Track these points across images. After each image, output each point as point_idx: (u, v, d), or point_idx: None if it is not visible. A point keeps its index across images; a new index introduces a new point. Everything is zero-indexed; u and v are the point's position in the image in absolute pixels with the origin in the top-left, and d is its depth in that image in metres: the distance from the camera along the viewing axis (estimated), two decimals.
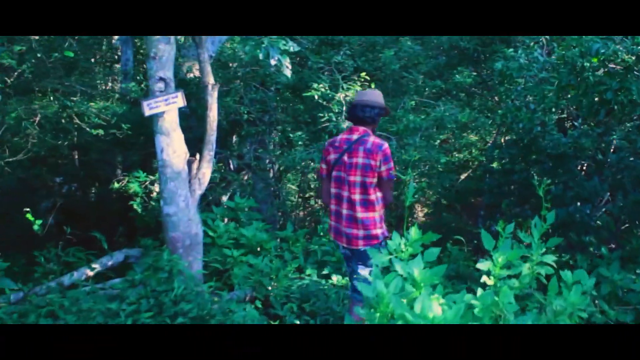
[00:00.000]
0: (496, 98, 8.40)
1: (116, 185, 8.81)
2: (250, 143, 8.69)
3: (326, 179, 4.54)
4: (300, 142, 7.72)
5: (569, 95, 5.37)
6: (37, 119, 8.04)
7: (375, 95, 4.51)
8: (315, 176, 9.93)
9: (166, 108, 5.15)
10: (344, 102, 7.06)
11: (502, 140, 8.54)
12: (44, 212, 9.51)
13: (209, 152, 5.83)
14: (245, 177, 8.90)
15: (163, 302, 4.89)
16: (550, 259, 3.18)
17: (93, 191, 10.90)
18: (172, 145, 5.26)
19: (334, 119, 7.03)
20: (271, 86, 8.26)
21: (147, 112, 5.13)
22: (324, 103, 7.13)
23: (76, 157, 10.39)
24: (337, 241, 4.54)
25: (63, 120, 7.71)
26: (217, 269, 6.01)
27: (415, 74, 7.60)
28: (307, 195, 11.16)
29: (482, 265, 3.00)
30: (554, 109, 6.25)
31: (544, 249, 3.16)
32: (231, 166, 8.86)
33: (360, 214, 4.30)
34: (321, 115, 7.07)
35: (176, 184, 5.34)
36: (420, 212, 13.00)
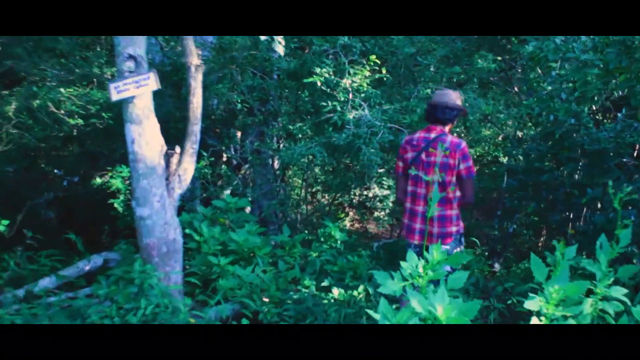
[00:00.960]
0: (516, 88, 7.53)
1: (98, 180, 8.06)
2: (249, 135, 7.89)
3: (402, 177, 4.66)
4: (300, 135, 6.89)
5: (617, 81, 4.50)
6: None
7: (455, 97, 4.54)
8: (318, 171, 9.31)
9: (137, 92, 4.34)
10: (350, 89, 6.23)
11: (520, 135, 7.67)
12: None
13: (192, 145, 5.04)
14: (245, 173, 8.10)
15: (129, 322, 4.15)
16: (620, 292, 2.39)
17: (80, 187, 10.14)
18: (145, 136, 4.46)
19: (339, 108, 6.21)
20: (271, 72, 7.45)
21: (115, 97, 4.33)
22: (328, 90, 6.31)
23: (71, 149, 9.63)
24: (408, 239, 4.59)
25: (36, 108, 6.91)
26: (203, 279, 5.23)
27: (430, 59, 6.72)
28: (314, 190, 10.38)
29: (532, 304, 2.20)
30: (596, 98, 5.41)
31: (611, 279, 2.38)
32: (232, 161, 8.09)
33: (437, 211, 4.37)
34: (324, 104, 6.24)
35: (150, 181, 4.54)
36: None
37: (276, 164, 8.16)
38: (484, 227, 8.77)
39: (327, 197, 10.51)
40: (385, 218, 10.07)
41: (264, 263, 5.55)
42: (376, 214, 10.29)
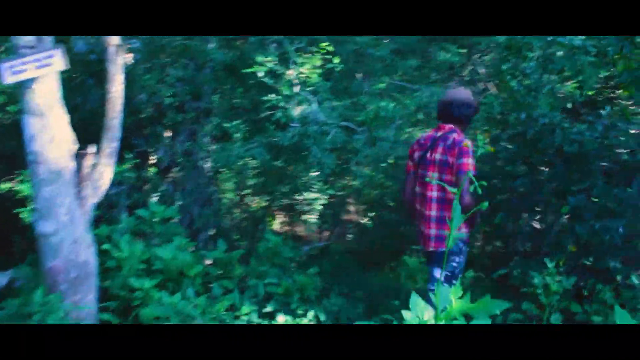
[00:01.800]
0: (483, 84, 6.94)
1: (4, 185, 6.99)
2: (179, 134, 7.01)
3: (411, 177, 4.41)
4: (238, 134, 6.05)
5: (616, 69, 3.92)
6: None
7: (469, 94, 4.39)
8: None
9: (37, 73, 3.43)
10: (296, 81, 5.46)
11: (487, 136, 7.08)
12: None
13: (110, 143, 4.15)
14: (175, 176, 7.20)
15: None
16: None
17: None
18: (49, 132, 3.55)
19: (282, 104, 5.42)
20: (205, 63, 6.59)
21: (9, 79, 3.41)
22: (271, 83, 5.51)
23: None
24: (423, 246, 4.32)
25: None
26: (122, 306, 4.35)
27: (382, 51, 5.97)
28: (243, 193, 9.61)
29: None
30: (586, 92, 4.82)
31: None
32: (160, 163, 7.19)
33: (435, 212, 4.16)
34: (267, 98, 5.44)
35: (55, 188, 3.64)
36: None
37: (209, 167, 7.31)
38: None
39: (256, 201, 9.83)
40: (314, 221, 9.42)
41: (196, 285, 4.70)
42: (304, 216, 9.67)
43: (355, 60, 6.31)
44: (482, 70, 6.88)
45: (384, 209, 8.76)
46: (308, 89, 5.55)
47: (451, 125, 4.25)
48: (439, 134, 4.27)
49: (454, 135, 4.19)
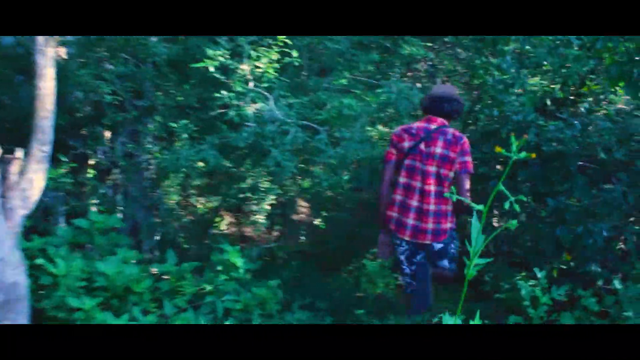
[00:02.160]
0: (446, 78, 6.61)
1: None
2: (120, 135, 6.45)
3: (392, 166, 4.35)
4: (185, 135, 5.55)
5: (604, 63, 3.64)
6: None
7: (456, 89, 4.51)
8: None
9: None
10: (251, 76, 5.02)
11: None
12: None
13: (41, 146, 3.63)
14: (117, 180, 6.65)
15: None
16: None
17: None
18: None
19: (235, 101, 4.97)
20: (147, 58, 6.06)
21: None
22: (222, 79, 5.04)
23: None
24: (398, 234, 4.32)
25: None
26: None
27: (343, 43, 5.55)
28: (189, 193, 9.07)
29: None
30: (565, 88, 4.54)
31: None
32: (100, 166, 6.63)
33: (433, 206, 4.20)
34: (218, 95, 4.98)
35: None
36: None
37: (153, 169, 6.77)
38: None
39: (204, 202, 9.32)
40: (262, 221, 8.98)
41: (144, 303, 4.22)
42: (253, 217, 9.24)
43: (312, 56, 5.90)
44: (441, 66, 6.58)
45: (339, 210, 8.38)
46: (264, 85, 5.11)
47: (443, 120, 4.28)
48: (433, 126, 4.26)
49: (452, 130, 4.25)
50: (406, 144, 4.26)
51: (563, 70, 4.04)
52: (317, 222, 8.86)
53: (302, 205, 10.63)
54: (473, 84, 7.06)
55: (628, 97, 4.84)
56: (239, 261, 4.65)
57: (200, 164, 5.36)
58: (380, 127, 6.01)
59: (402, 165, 4.27)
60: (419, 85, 5.84)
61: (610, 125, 4.58)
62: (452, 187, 4.18)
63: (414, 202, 4.23)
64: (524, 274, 5.34)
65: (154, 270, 4.77)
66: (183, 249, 6.79)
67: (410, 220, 4.24)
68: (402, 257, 4.39)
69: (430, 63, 7.08)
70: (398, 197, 4.29)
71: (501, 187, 1.57)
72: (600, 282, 4.63)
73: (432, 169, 4.20)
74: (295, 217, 10.25)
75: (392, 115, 5.79)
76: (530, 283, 5.09)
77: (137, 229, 6.15)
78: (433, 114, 4.31)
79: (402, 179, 4.28)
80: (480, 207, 1.59)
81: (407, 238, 4.27)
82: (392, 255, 4.49)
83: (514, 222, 1.60)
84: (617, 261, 4.68)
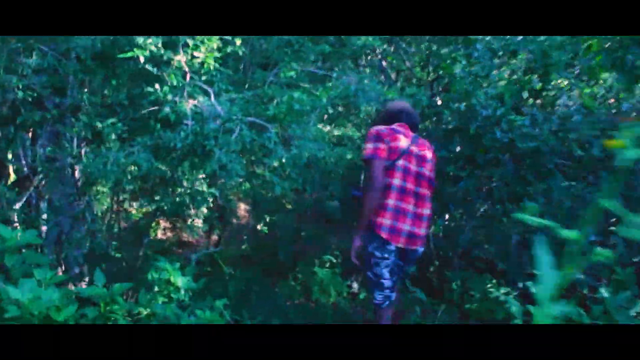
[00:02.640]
0: (408, 71, 6.13)
1: None
2: (39, 137, 5.74)
3: (383, 165, 3.96)
4: (114, 136, 4.90)
5: (591, 50, 3.21)
6: None
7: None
8: None
9: None
10: (188, 68, 4.41)
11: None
12: None
13: None
14: (36, 188, 5.93)
15: None
16: None
17: None
18: None
19: (170, 96, 4.36)
20: (70, 51, 5.37)
21: None
22: (154, 71, 4.42)
23: None
24: (392, 242, 3.99)
25: None
26: None
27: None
28: (121, 198, 8.37)
29: None
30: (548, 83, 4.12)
31: None
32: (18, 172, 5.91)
33: (427, 210, 4.11)
34: (150, 90, 4.36)
35: None
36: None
37: (80, 174, 6.08)
38: (338, 241, 7.27)
39: (133, 206, 8.66)
40: (200, 225, 8.38)
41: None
42: (190, 221, 8.63)
43: (254, 47, 5.33)
44: (408, 63, 6.11)
45: (283, 212, 7.86)
46: (203, 78, 4.52)
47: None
48: (410, 132, 4.18)
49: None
50: (401, 143, 4.00)
51: (546, 59, 3.61)
52: (260, 227, 8.32)
53: (242, 208, 10.08)
54: (425, 79, 6.63)
55: (602, 89, 4.50)
56: (179, 280, 4.04)
57: (133, 168, 4.73)
58: (328, 126, 5.56)
59: (395, 167, 3.97)
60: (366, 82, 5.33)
61: (591, 118, 4.19)
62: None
63: (410, 207, 3.98)
64: (494, 281, 4.95)
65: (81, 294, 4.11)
66: (116, 261, 6.16)
67: (407, 227, 3.97)
68: (385, 270, 4.06)
69: (379, 57, 6.63)
70: (391, 202, 3.95)
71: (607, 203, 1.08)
72: (585, 291, 4.23)
73: (425, 171, 4.08)
74: (235, 220, 9.69)
75: (343, 112, 5.32)
76: (502, 291, 4.70)
77: (61, 245, 5.45)
78: (398, 122, 4.21)
79: (396, 182, 3.97)
80: (573, 233, 1.12)
81: (401, 245, 3.97)
82: (366, 265, 4.10)
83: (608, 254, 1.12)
84: (598, 267, 4.30)
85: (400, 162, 4.00)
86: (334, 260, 6.38)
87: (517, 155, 4.27)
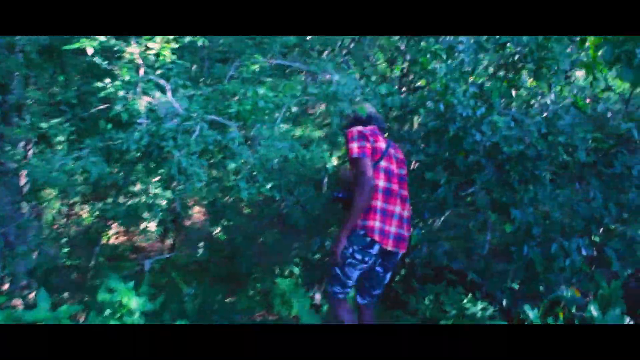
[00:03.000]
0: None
1: None
2: None
3: (371, 164, 3.91)
4: (61, 138, 4.44)
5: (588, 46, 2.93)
6: None
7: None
8: None
9: None
10: (141, 61, 3.99)
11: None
12: None
13: None
14: None
15: None
16: None
17: None
18: None
19: (123, 92, 3.94)
20: (13, 46, 4.90)
21: None
22: (104, 65, 3.98)
23: None
24: (382, 244, 3.93)
25: None
26: None
27: None
28: (72, 201, 7.87)
29: None
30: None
31: None
32: None
33: (407, 212, 4.08)
34: (99, 85, 3.93)
35: None
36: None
37: (25, 181, 5.59)
38: (300, 249, 6.86)
39: (86, 210, 8.16)
40: (155, 229, 7.94)
41: None
42: (144, 224, 8.18)
43: (215, 37, 4.91)
44: (372, 58, 5.75)
45: (242, 217, 7.44)
46: (158, 72, 4.10)
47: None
48: (378, 132, 4.13)
49: None
50: (383, 145, 4.00)
51: (544, 53, 3.31)
52: (216, 232, 7.87)
53: (197, 210, 9.63)
54: (390, 75, 6.30)
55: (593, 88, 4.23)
56: (133, 302, 3.61)
57: (81, 173, 4.29)
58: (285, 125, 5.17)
59: (379, 168, 3.95)
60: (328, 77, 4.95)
61: (578, 120, 3.91)
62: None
63: (396, 209, 3.97)
64: (469, 296, 4.66)
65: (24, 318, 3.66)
66: (66, 270, 5.72)
67: (394, 229, 3.95)
68: (356, 274, 4.06)
69: (346, 52, 6.27)
70: (378, 204, 3.92)
71: None
72: (573, 309, 3.96)
73: (404, 172, 4.09)
74: (189, 223, 9.25)
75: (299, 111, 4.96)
76: (479, 306, 4.42)
77: (3, 262, 4.97)
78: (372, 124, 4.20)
79: (381, 183, 3.94)
80: None
81: (389, 247, 3.93)
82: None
83: None
84: (584, 282, 4.03)
85: (383, 164, 3.97)
86: (296, 271, 6.00)
87: (500, 160, 3.98)
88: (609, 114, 4.83)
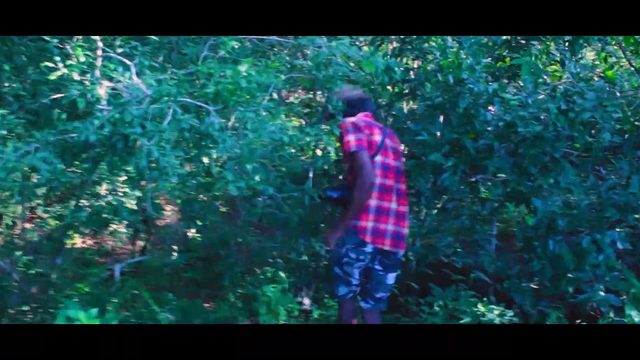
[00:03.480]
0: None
1: None
2: None
3: (369, 157, 3.74)
4: (3, 131, 3.75)
5: None
6: None
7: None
8: None
9: None
10: (98, 39, 3.36)
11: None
12: None
13: None
14: None
15: None
16: None
17: None
18: None
19: (78, 74, 3.31)
20: None
21: None
22: (54, 44, 3.35)
23: None
24: (376, 244, 3.81)
25: None
26: None
27: None
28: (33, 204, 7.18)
29: None
30: None
31: None
32: None
33: (405, 207, 3.93)
34: (50, 65, 3.29)
35: None
36: None
37: None
38: (284, 249, 6.22)
39: (50, 217, 7.51)
40: (124, 230, 7.33)
41: None
42: (113, 226, 7.57)
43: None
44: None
45: (219, 216, 6.79)
46: (119, 50, 3.48)
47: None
48: (372, 121, 4.02)
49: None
50: (378, 137, 3.84)
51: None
52: (191, 233, 7.21)
53: (169, 209, 8.95)
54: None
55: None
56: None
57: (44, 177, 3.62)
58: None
59: (374, 163, 3.77)
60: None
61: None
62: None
63: (393, 205, 3.83)
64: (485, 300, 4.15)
65: None
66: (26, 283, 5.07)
67: (390, 227, 3.82)
68: (356, 271, 3.93)
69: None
70: (373, 202, 3.78)
71: None
72: (612, 314, 3.45)
73: (401, 165, 3.95)
74: (162, 224, 8.59)
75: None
76: (495, 311, 3.89)
77: None
78: (357, 112, 3.99)
79: (377, 180, 3.77)
80: None
81: (387, 247, 3.83)
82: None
83: None
84: (617, 281, 3.52)
85: (379, 158, 3.83)
86: (282, 274, 5.42)
87: (515, 141, 3.47)
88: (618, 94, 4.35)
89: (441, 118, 4.19)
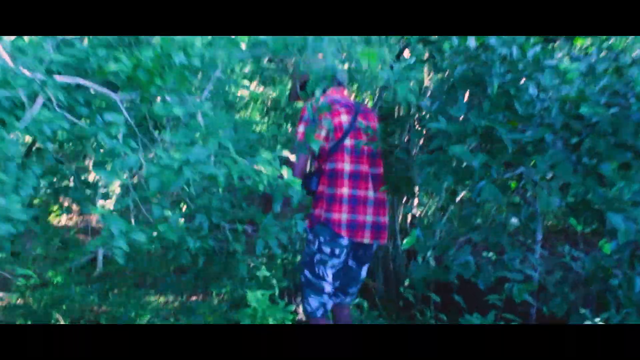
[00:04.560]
0: None
1: None
2: None
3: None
4: None
5: None
6: None
7: None
8: None
9: None
10: None
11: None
12: None
13: None
14: None
15: None
16: None
17: None
18: None
19: None
20: None
21: None
22: None
23: None
24: (354, 238, 3.53)
25: None
26: None
27: None
28: None
29: None
30: None
31: None
32: None
33: (384, 194, 3.64)
34: None
35: None
36: None
37: None
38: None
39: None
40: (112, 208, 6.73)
41: None
42: (101, 203, 6.96)
43: None
44: None
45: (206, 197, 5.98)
46: None
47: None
48: (350, 99, 3.82)
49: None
50: (345, 117, 3.53)
51: None
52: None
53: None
54: None
55: None
56: None
57: None
58: None
59: (342, 148, 3.50)
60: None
61: None
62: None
63: (370, 193, 3.56)
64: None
65: None
66: None
67: (369, 217, 3.55)
68: (330, 271, 3.62)
69: None
70: (345, 192, 3.50)
71: None
72: None
73: (376, 148, 3.58)
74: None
75: None
76: None
77: None
78: (332, 86, 3.69)
79: (347, 167, 3.51)
80: None
81: (366, 240, 3.57)
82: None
83: None
84: None
85: (348, 142, 3.53)
86: (268, 275, 4.52)
87: (577, 132, 2.41)
88: None
89: (465, 96, 3.13)
